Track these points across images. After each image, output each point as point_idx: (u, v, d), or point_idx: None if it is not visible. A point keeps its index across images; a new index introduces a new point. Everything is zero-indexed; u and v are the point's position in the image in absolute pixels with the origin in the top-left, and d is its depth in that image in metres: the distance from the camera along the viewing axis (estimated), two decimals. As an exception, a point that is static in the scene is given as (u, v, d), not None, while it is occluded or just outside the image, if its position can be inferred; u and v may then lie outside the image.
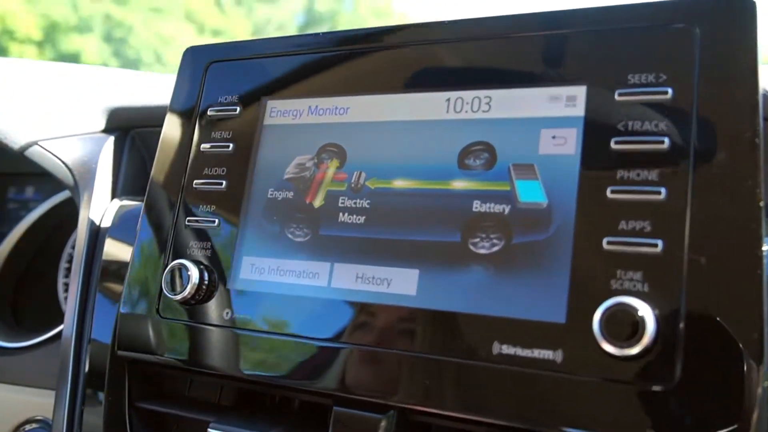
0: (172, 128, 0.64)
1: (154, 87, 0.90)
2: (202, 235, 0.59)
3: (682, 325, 0.40)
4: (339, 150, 0.56)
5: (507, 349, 0.45)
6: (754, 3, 0.44)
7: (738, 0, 0.44)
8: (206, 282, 0.56)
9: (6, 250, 0.98)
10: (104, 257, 0.72)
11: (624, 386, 0.41)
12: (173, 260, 0.57)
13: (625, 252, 0.43)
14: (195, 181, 0.61)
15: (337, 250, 0.53)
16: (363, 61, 0.57)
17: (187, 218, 0.60)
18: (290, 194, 0.56)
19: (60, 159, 0.80)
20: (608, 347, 0.41)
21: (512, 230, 0.47)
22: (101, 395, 0.65)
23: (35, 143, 0.80)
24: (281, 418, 0.58)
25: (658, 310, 0.41)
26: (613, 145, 0.45)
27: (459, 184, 0.50)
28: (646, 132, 0.44)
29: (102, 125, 0.85)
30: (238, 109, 0.61)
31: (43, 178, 1.07)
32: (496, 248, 0.47)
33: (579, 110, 0.47)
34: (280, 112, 0.59)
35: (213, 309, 0.56)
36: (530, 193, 0.47)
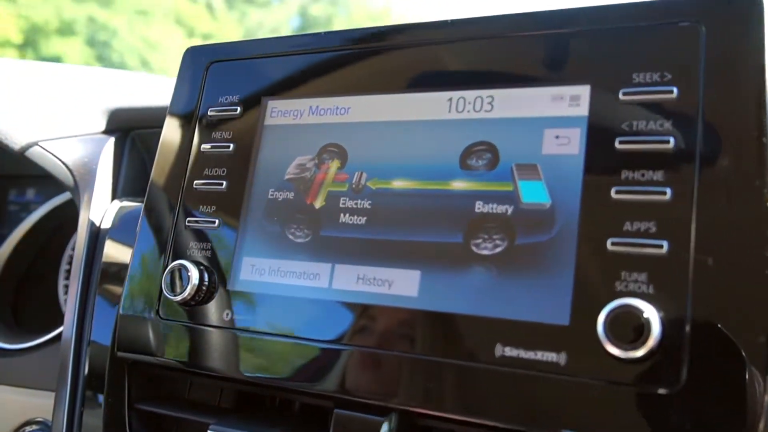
0: (172, 128, 0.64)
1: (155, 88, 0.90)
2: (202, 235, 0.59)
3: (687, 328, 0.40)
4: (340, 150, 0.55)
5: (510, 351, 0.44)
6: (760, 0, 0.44)
7: (744, -2, 0.44)
8: (206, 283, 0.56)
9: (7, 251, 0.98)
10: (104, 259, 0.72)
11: (628, 389, 0.40)
12: (173, 261, 0.57)
13: (629, 253, 0.42)
14: (195, 182, 0.61)
15: (338, 251, 0.52)
16: (364, 61, 0.57)
17: (187, 219, 0.60)
18: (291, 195, 0.56)
19: (60, 160, 0.80)
20: (613, 349, 0.40)
21: (515, 231, 0.47)
22: (101, 397, 0.65)
23: (36, 144, 0.80)
24: (281, 421, 0.58)
25: (663, 312, 0.40)
26: (617, 145, 0.45)
27: (461, 185, 0.50)
28: (651, 132, 0.44)
29: (102, 126, 0.84)
30: (239, 109, 0.61)
31: (43, 180, 1.07)
32: (498, 249, 0.47)
33: (583, 110, 0.47)
34: (280, 112, 0.59)
35: (213, 310, 0.56)
36: (533, 193, 0.47)
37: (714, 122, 0.42)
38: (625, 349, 0.40)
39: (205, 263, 0.57)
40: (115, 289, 0.70)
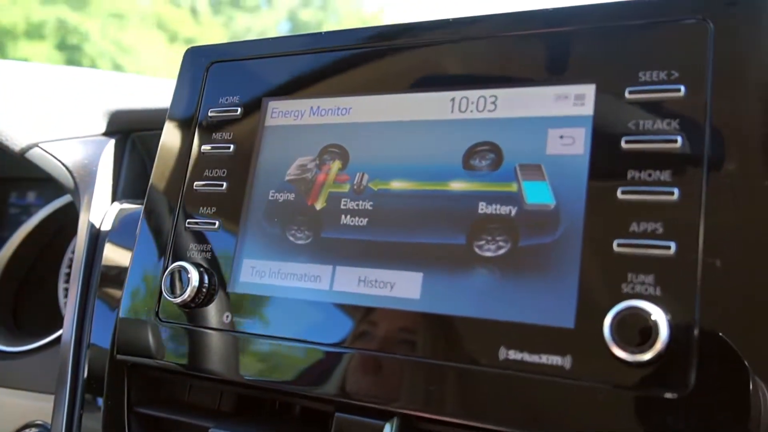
0: (172, 129, 0.64)
1: (155, 90, 0.89)
2: (202, 237, 0.58)
3: (696, 331, 0.39)
4: (341, 151, 0.55)
5: (513, 355, 0.43)
6: (769, -3, 0.43)
7: (752, -6, 0.43)
8: (206, 285, 0.55)
9: (7, 254, 0.98)
10: (104, 261, 0.72)
11: (635, 393, 0.40)
12: (173, 263, 0.57)
13: (636, 254, 0.42)
14: (195, 183, 0.60)
15: (339, 252, 0.52)
16: (365, 61, 0.57)
17: (187, 220, 0.59)
18: (291, 196, 0.56)
19: (60, 161, 0.80)
20: (619, 353, 0.40)
21: (519, 232, 0.46)
22: (100, 400, 0.65)
23: (36, 145, 0.79)
24: (281, 424, 0.57)
25: (671, 314, 0.40)
26: (623, 145, 0.44)
27: (464, 185, 0.49)
28: (658, 131, 0.43)
29: (103, 128, 0.84)
30: (239, 110, 0.60)
31: (44, 183, 1.07)
32: (502, 251, 0.46)
33: (588, 109, 0.46)
34: (281, 112, 0.59)
35: (213, 312, 0.55)
36: (537, 194, 0.46)
37: (722, 121, 0.42)
38: (632, 353, 0.39)
39: (205, 265, 0.57)
40: (115, 291, 0.70)
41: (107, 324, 0.67)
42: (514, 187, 0.47)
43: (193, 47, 0.67)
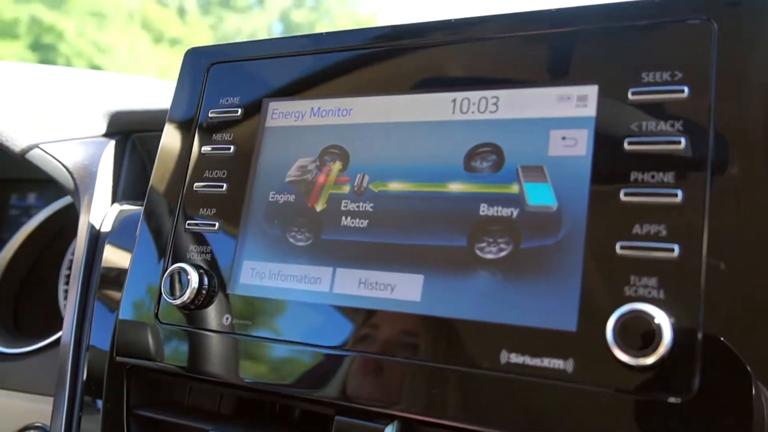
0: (173, 130, 0.64)
1: (156, 91, 0.89)
2: (202, 239, 0.58)
3: (699, 334, 0.39)
4: (342, 152, 0.55)
5: (515, 358, 0.43)
6: (773, -3, 0.43)
7: (756, -6, 0.43)
8: (206, 286, 0.55)
9: (7, 256, 0.98)
10: (103, 263, 0.72)
11: (638, 397, 0.39)
12: (173, 264, 0.56)
13: (639, 257, 0.41)
14: (195, 184, 0.60)
15: (340, 254, 0.51)
16: (366, 62, 0.56)
17: (187, 222, 0.59)
18: (292, 197, 0.55)
19: (61, 162, 0.80)
20: (622, 356, 0.39)
21: (520, 234, 0.46)
22: (99, 402, 0.65)
23: (36, 146, 0.79)
24: (281, 427, 0.57)
25: (674, 318, 0.39)
26: (626, 146, 0.44)
27: (465, 187, 0.49)
28: (662, 132, 0.43)
29: (103, 129, 0.84)
30: (240, 111, 0.60)
31: (45, 185, 1.07)
32: (503, 253, 0.46)
33: (590, 110, 0.46)
34: (281, 113, 0.58)
35: (213, 314, 0.55)
36: (539, 195, 0.46)
37: (726, 122, 0.41)
38: (635, 356, 0.39)
39: (205, 266, 0.56)
40: (115, 293, 0.69)
41: (107, 326, 0.67)
42: (515, 189, 0.47)
43: (193, 48, 0.66)
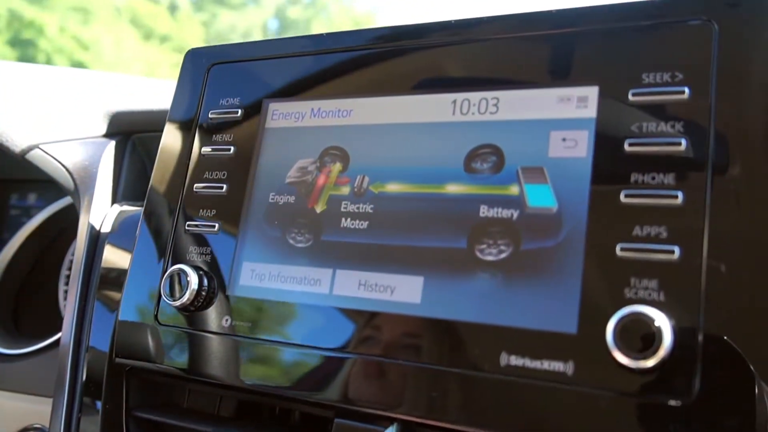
0: (173, 131, 0.64)
1: (156, 91, 0.89)
2: (202, 240, 0.58)
3: (700, 337, 0.38)
4: (342, 153, 0.54)
5: (515, 361, 0.43)
6: (774, -3, 0.42)
7: (757, -5, 0.43)
8: (205, 288, 0.55)
9: (7, 256, 0.97)
10: (103, 264, 0.71)
11: (638, 400, 0.39)
12: (172, 266, 0.56)
13: (639, 259, 0.41)
14: (195, 185, 0.60)
15: (340, 256, 0.51)
16: (366, 63, 0.56)
17: (187, 223, 0.59)
18: (292, 198, 0.55)
19: (61, 163, 0.79)
20: (622, 359, 0.39)
21: (521, 236, 0.45)
22: (99, 403, 0.64)
23: (36, 146, 0.79)
24: (281, 430, 0.57)
25: (675, 320, 0.39)
26: (626, 148, 0.43)
27: (465, 188, 0.48)
28: (662, 134, 0.43)
29: (103, 130, 0.84)
30: (240, 111, 0.60)
31: (45, 185, 1.07)
32: (503, 255, 0.46)
33: (591, 111, 0.46)
34: (282, 114, 0.58)
35: (212, 316, 0.55)
36: (539, 197, 0.46)
37: (727, 123, 0.41)
38: (636, 359, 0.39)
39: (205, 268, 0.56)
40: (114, 294, 0.69)
41: (106, 327, 0.67)
42: (515, 191, 0.47)
43: (193, 49, 0.66)
